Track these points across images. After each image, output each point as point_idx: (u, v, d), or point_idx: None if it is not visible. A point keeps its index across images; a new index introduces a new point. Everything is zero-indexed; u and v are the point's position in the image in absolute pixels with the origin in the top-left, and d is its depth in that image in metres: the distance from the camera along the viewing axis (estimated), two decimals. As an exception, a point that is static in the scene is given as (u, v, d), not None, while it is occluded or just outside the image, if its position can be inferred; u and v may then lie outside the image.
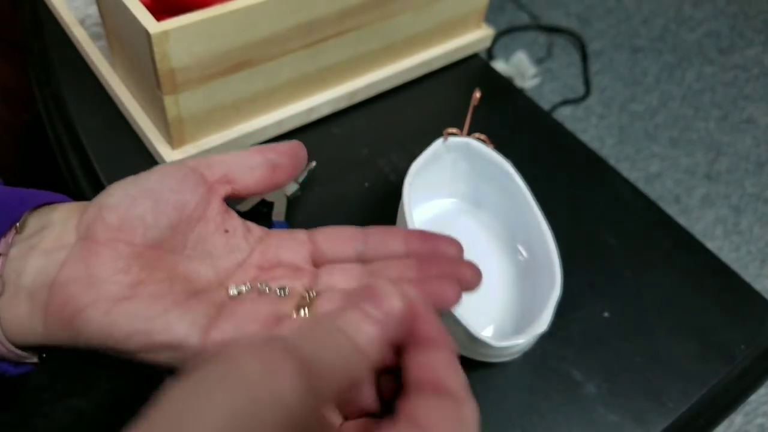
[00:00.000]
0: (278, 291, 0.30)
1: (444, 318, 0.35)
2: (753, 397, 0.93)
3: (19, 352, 0.29)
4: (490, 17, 0.56)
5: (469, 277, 0.30)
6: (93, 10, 0.51)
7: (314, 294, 0.31)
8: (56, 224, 0.29)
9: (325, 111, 0.49)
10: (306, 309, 0.30)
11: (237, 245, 0.32)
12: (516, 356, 0.37)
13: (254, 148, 0.33)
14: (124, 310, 0.27)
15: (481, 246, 0.42)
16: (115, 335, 0.27)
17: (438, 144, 0.42)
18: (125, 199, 0.29)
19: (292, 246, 0.33)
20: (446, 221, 0.44)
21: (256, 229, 0.33)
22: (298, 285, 0.31)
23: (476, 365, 0.37)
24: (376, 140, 0.49)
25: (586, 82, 1.50)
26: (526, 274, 0.41)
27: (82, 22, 0.50)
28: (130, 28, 0.38)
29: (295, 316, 0.30)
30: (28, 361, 0.30)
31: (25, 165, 0.64)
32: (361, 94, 0.50)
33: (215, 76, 0.41)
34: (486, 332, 0.38)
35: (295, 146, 0.33)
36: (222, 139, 0.44)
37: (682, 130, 1.44)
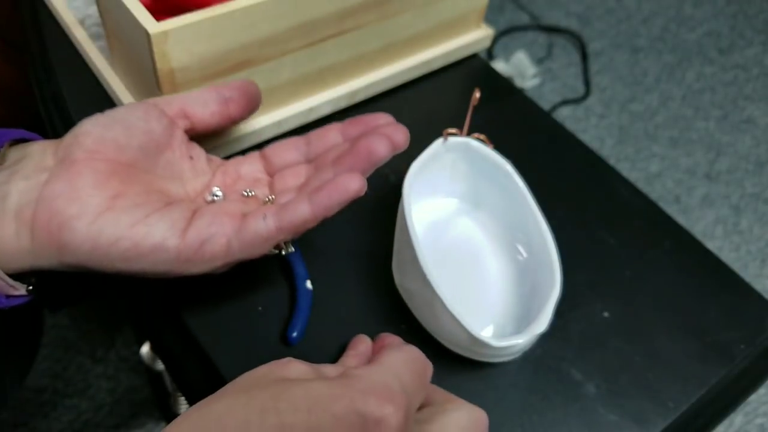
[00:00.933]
0: (245, 192, 0.35)
1: (444, 318, 0.35)
2: (753, 397, 0.93)
3: (7, 279, 0.30)
4: (490, 17, 0.56)
5: (397, 135, 0.33)
6: (93, 10, 0.51)
7: (273, 198, 0.35)
8: (35, 154, 0.31)
9: (325, 111, 0.49)
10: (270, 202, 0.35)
11: (202, 169, 0.36)
12: (516, 356, 0.37)
13: (208, 86, 0.36)
14: (108, 218, 0.29)
15: (481, 246, 0.42)
16: (101, 242, 0.29)
17: (438, 144, 0.42)
18: (97, 127, 0.31)
19: (248, 163, 0.37)
20: (446, 221, 0.44)
21: (214, 158, 0.37)
22: (259, 193, 0.35)
23: (476, 365, 0.37)
24: (376, 140, 0.49)
25: (586, 82, 1.50)
26: (525, 274, 0.41)
27: (82, 22, 0.50)
28: (130, 28, 0.38)
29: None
30: (17, 293, 0.31)
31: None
32: (361, 94, 0.50)
33: (215, 76, 0.41)
34: (486, 332, 0.38)
35: (246, 82, 0.37)
36: (222, 138, 0.44)
37: (682, 130, 1.44)
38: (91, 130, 0.31)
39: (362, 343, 0.35)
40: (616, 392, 0.37)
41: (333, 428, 0.24)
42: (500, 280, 0.41)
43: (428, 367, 0.30)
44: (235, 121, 0.37)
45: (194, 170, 0.35)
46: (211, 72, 0.40)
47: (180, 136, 0.35)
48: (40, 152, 0.31)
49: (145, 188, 0.32)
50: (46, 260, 0.30)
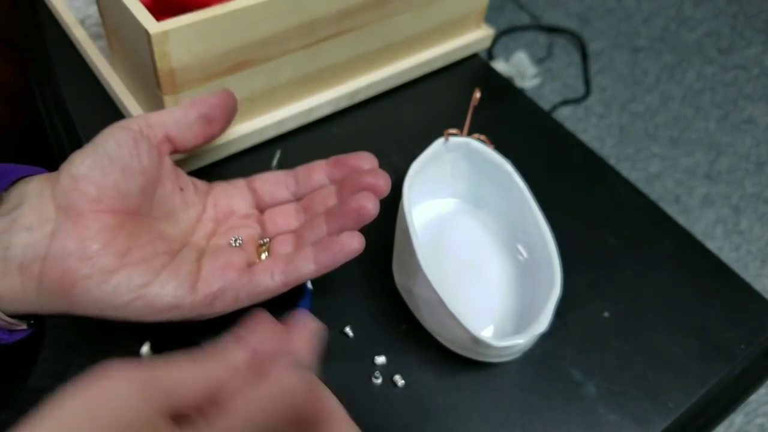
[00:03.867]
0: (232, 241, 0.35)
1: (444, 318, 0.35)
2: (753, 397, 0.93)
3: (10, 320, 0.30)
4: (490, 17, 0.56)
5: (380, 185, 0.34)
6: (93, 10, 0.51)
7: (267, 241, 0.36)
8: (32, 197, 0.30)
9: (325, 111, 0.49)
10: (267, 252, 0.36)
11: (191, 200, 0.36)
12: (516, 356, 0.37)
13: (188, 103, 0.35)
14: (120, 278, 0.29)
15: (481, 246, 0.42)
16: (115, 303, 0.29)
17: (438, 144, 0.42)
18: (95, 170, 0.30)
19: (238, 196, 0.37)
20: (446, 221, 0.44)
21: (200, 184, 0.37)
22: (252, 232, 0.36)
23: (476, 365, 0.37)
24: (376, 140, 0.49)
25: (586, 82, 1.50)
26: (526, 274, 0.41)
27: (82, 22, 0.50)
28: (130, 28, 0.38)
29: (258, 260, 0.35)
30: (19, 328, 0.32)
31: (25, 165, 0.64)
32: (361, 94, 0.50)
33: (215, 76, 0.41)
34: (486, 332, 0.38)
35: (225, 95, 0.37)
36: (222, 139, 0.44)
37: (682, 130, 1.44)
38: (90, 174, 0.30)
39: (257, 334, 0.26)
40: (616, 392, 0.37)
41: None
42: (500, 280, 0.41)
43: (299, 394, 0.24)
44: (215, 137, 0.37)
45: (185, 203, 0.35)
46: (211, 72, 0.40)
47: (168, 167, 0.34)
48: (37, 194, 0.30)
49: (149, 237, 0.32)
50: (52, 309, 0.30)
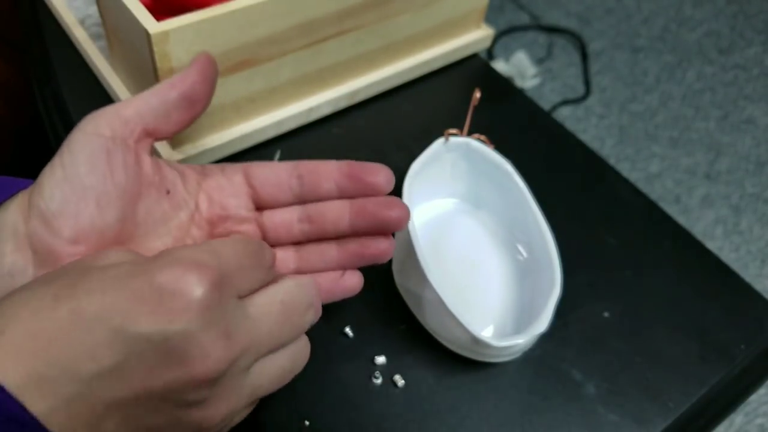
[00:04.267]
0: None
1: (444, 318, 0.35)
2: (753, 397, 0.93)
3: None
4: (490, 17, 0.56)
5: (401, 220, 0.32)
6: (93, 10, 0.51)
7: None
8: (9, 234, 0.28)
9: (325, 111, 0.49)
10: None
11: (182, 200, 0.32)
12: (516, 356, 0.37)
13: (165, 84, 0.30)
14: None
15: (481, 246, 0.42)
16: None
17: (438, 144, 0.42)
18: (68, 206, 0.27)
19: (233, 195, 0.33)
20: (446, 221, 0.44)
21: (190, 174, 0.33)
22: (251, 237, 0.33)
23: (476, 365, 0.37)
24: (376, 140, 0.49)
25: (586, 82, 1.50)
26: (526, 274, 0.41)
27: (82, 22, 0.50)
28: (130, 28, 0.38)
29: None
30: None
31: (25, 165, 0.64)
32: (361, 94, 0.50)
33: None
34: (486, 332, 0.38)
35: (205, 67, 0.31)
36: (221, 139, 0.44)
37: (682, 130, 1.44)
38: (62, 211, 0.27)
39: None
40: (616, 392, 0.37)
41: (128, 306, 0.21)
42: (500, 280, 0.41)
43: (264, 249, 0.27)
44: (199, 116, 0.32)
45: (174, 206, 0.31)
46: (211, 72, 0.40)
47: (149, 170, 0.30)
48: (12, 231, 0.27)
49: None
50: None
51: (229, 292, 0.24)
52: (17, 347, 0.21)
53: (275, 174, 0.33)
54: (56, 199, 0.27)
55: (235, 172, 0.33)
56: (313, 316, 0.29)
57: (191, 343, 0.22)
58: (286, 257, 0.33)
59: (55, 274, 0.24)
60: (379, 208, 0.32)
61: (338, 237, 0.33)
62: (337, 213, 0.32)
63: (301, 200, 0.33)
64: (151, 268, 0.22)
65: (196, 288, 0.22)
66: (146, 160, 0.30)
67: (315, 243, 0.33)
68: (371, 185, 0.32)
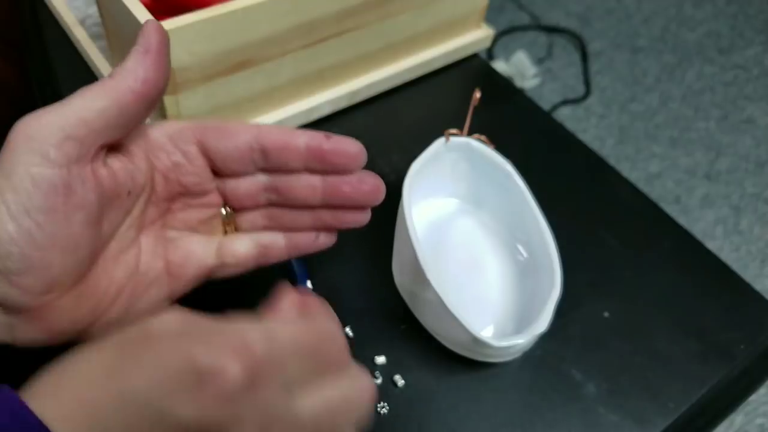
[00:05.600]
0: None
1: (444, 318, 0.35)
2: (753, 397, 0.93)
3: None
4: (490, 17, 0.56)
5: (372, 198, 0.32)
6: (93, 10, 0.51)
7: (231, 213, 0.33)
8: None
9: (326, 111, 0.49)
10: (233, 227, 0.33)
11: (138, 191, 0.29)
12: (516, 356, 0.37)
13: (115, 82, 0.26)
14: (96, 333, 0.28)
15: (481, 246, 0.42)
16: None
17: (438, 144, 0.42)
18: (32, 261, 0.25)
19: (190, 171, 0.31)
20: (446, 221, 0.44)
21: (139, 160, 0.29)
22: (214, 206, 0.32)
23: (476, 365, 0.37)
24: (376, 140, 0.49)
25: (586, 82, 1.50)
26: (526, 274, 0.41)
27: (82, 22, 0.50)
28: (130, 28, 0.38)
29: (223, 235, 0.33)
30: None
31: None
32: (361, 94, 0.50)
33: (215, 76, 0.41)
34: (486, 332, 0.38)
35: (157, 52, 0.27)
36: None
37: (682, 130, 1.44)
38: (24, 270, 0.24)
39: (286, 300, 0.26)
40: (616, 392, 0.37)
41: (168, 386, 0.20)
42: (500, 280, 0.41)
43: (333, 343, 0.24)
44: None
45: (132, 198, 0.29)
46: (211, 72, 0.40)
47: (106, 183, 0.27)
48: None
49: (108, 282, 0.29)
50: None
51: (276, 382, 0.22)
52: (68, 410, 0.21)
53: (235, 147, 0.30)
54: (14, 257, 0.24)
55: (188, 143, 0.30)
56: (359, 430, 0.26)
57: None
58: (254, 218, 0.33)
59: (116, 343, 0.23)
60: (353, 189, 0.31)
61: (309, 207, 0.33)
62: (307, 190, 0.31)
63: (267, 171, 0.32)
64: (194, 346, 0.21)
65: (232, 371, 0.20)
66: (103, 174, 0.27)
67: (286, 209, 0.33)
68: (342, 166, 0.31)
